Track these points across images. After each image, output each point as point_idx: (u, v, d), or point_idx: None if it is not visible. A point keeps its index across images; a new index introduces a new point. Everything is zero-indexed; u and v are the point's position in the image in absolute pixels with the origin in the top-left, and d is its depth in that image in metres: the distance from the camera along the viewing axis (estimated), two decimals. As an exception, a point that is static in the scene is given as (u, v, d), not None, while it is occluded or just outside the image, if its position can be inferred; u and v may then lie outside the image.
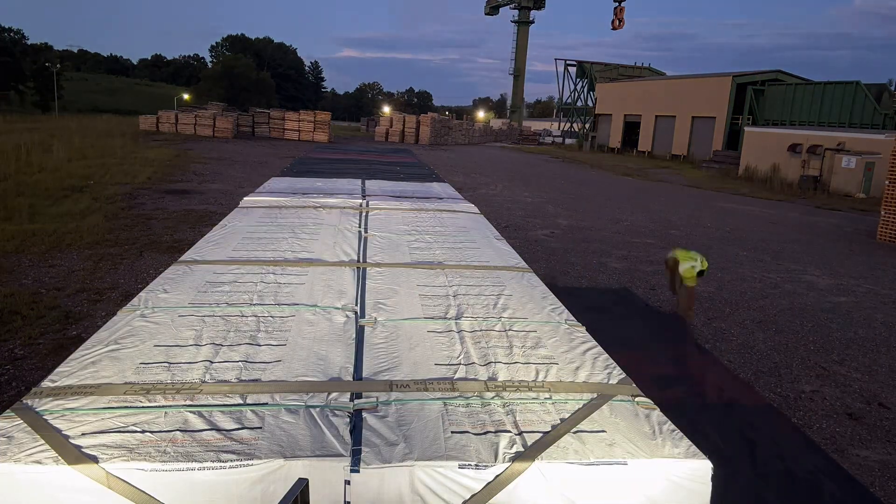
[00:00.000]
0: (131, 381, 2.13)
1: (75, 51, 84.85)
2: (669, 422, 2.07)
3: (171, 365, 2.27)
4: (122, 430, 1.82)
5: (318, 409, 1.99)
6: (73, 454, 1.69)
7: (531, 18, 63.71)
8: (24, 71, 59.85)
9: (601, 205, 19.16)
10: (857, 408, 5.82)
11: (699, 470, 1.85)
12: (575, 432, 1.95)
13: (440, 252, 4.10)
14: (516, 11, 63.47)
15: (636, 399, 2.22)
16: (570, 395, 2.21)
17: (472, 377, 2.31)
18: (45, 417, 1.87)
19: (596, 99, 53.96)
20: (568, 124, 62.95)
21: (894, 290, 10.65)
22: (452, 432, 1.91)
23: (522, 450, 1.83)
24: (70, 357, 2.30)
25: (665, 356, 6.60)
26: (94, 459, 1.67)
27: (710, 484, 1.85)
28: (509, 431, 1.93)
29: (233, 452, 1.73)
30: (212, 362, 2.30)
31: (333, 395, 2.10)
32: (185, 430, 1.84)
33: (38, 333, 6.42)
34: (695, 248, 8.39)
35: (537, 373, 2.38)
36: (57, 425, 1.83)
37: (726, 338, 7.55)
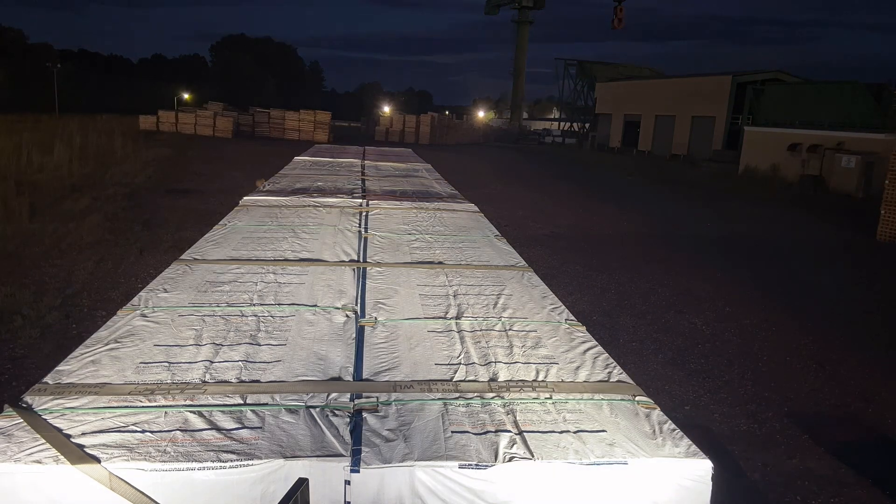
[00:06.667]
0: (131, 381, 2.13)
1: (75, 51, 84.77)
2: (670, 421, 2.07)
3: (172, 365, 2.27)
4: (122, 429, 1.82)
5: (318, 409, 1.99)
6: (74, 453, 1.69)
7: (531, 18, 63.68)
8: (24, 71, 59.83)
9: (601, 204, 19.14)
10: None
11: (699, 469, 1.85)
12: (575, 432, 1.95)
13: (440, 252, 4.10)
14: (516, 11, 63.43)
15: (636, 398, 2.22)
16: (570, 394, 2.21)
17: (473, 377, 2.31)
18: (44, 416, 1.87)
19: (596, 98, 53.93)
20: (568, 124, 62.90)
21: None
22: (453, 432, 1.91)
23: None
24: (70, 356, 2.30)
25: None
26: (95, 459, 1.67)
27: (711, 483, 1.85)
28: (509, 431, 1.93)
29: (233, 452, 1.73)
30: (212, 362, 2.30)
31: (333, 395, 2.10)
32: (186, 430, 1.84)
33: (39, 333, 6.42)
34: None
35: (537, 372, 2.38)
36: (57, 424, 1.83)
37: (725, 339, 7.58)
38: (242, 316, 2.78)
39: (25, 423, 1.81)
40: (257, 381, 2.18)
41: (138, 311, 2.77)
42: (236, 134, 40.01)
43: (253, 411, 1.96)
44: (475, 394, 2.17)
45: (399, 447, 1.80)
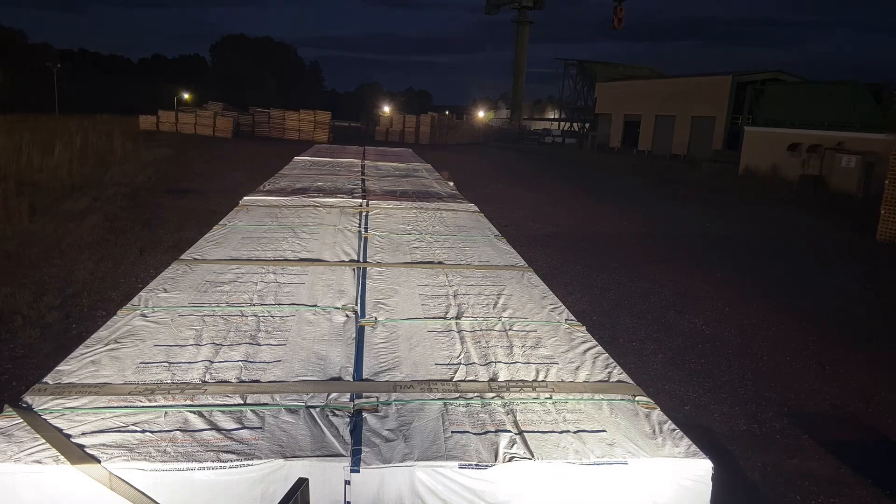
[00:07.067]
0: (131, 381, 2.13)
1: (75, 51, 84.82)
2: (670, 421, 2.07)
3: (172, 364, 2.27)
4: (122, 429, 1.82)
5: (318, 409, 1.99)
6: (74, 453, 1.69)
7: (530, 18, 63.70)
8: (25, 71, 59.84)
9: (601, 204, 19.15)
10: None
11: (699, 469, 1.85)
12: (575, 432, 1.95)
13: (440, 252, 4.10)
14: (516, 11, 63.44)
15: (636, 398, 2.22)
16: (570, 394, 2.21)
17: (473, 377, 2.31)
18: (44, 416, 1.87)
19: (596, 98, 53.95)
20: (568, 124, 62.96)
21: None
22: (453, 432, 1.91)
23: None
24: (70, 356, 2.30)
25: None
26: (95, 459, 1.67)
27: (711, 483, 1.85)
28: (509, 431, 1.93)
29: (233, 452, 1.73)
30: (212, 362, 2.30)
31: (333, 395, 2.10)
32: (186, 430, 1.84)
33: (39, 333, 6.42)
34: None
35: (537, 372, 2.38)
36: (57, 424, 1.83)
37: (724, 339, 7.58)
38: (242, 316, 2.78)
39: (25, 423, 1.81)
40: (257, 381, 2.18)
41: (138, 311, 2.77)
42: (236, 134, 40.00)
43: (253, 411, 1.96)
44: (475, 394, 2.17)
45: (399, 447, 1.80)
